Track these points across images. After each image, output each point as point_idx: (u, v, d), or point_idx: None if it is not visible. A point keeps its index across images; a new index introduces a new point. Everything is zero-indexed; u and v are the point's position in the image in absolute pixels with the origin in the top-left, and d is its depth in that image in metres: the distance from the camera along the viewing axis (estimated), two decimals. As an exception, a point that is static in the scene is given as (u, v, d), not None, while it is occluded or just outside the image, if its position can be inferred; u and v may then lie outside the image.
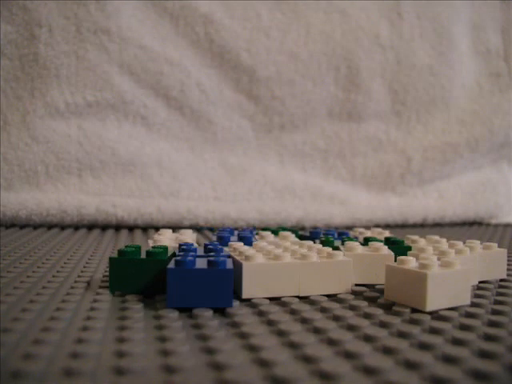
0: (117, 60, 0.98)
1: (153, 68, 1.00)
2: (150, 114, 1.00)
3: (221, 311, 0.35)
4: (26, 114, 0.93)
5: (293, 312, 0.35)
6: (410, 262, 0.37)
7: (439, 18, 1.18)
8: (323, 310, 0.36)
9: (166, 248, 0.41)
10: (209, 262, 0.36)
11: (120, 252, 0.39)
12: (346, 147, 1.12)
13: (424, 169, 1.14)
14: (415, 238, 0.52)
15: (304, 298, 0.39)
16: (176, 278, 0.35)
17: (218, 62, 1.05)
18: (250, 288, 0.38)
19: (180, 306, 0.35)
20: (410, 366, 0.25)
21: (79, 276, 0.45)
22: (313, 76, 1.10)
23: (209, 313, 0.34)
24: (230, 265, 0.37)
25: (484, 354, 0.27)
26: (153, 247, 0.41)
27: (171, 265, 0.36)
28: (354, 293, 0.41)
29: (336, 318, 0.33)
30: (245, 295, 0.38)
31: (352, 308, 0.36)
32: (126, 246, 0.40)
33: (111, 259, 0.39)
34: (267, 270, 0.38)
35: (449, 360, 0.26)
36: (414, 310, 0.35)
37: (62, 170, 0.94)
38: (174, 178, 0.99)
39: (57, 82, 0.95)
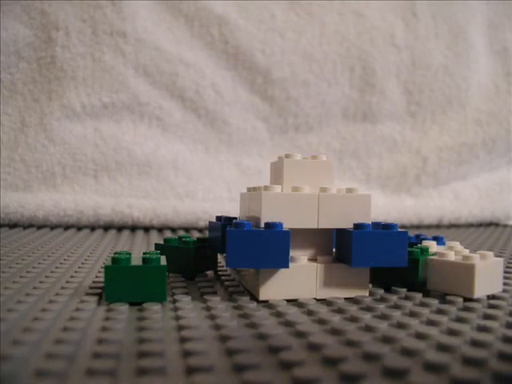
0: (132, 62, 0.99)
1: (168, 69, 1.01)
2: (165, 115, 1.01)
3: (240, 311, 0.35)
4: (43, 116, 0.94)
5: (310, 313, 0.35)
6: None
7: (455, 18, 1.17)
8: (340, 311, 0.36)
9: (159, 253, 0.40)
10: (266, 225, 0.37)
11: (114, 260, 0.37)
12: (361, 148, 1.12)
13: (439, 169, 1.14)
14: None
15: (321, 300, 0.39)
16: (235, 240, 0.36)
17: (233, 63, 1.05)
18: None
19: (238, 266, 0.37)
20: (430, 367, 0.25)
21: (97, 276, 0.46)
22: (327, 77, 1.10)
23: (227, 313, 0.34)
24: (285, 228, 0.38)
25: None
26: (145, 253, 0.39)
27: (230, 228, 0.37)
28: (370, 294, 0.41)
29: (354, 320, 0.33)
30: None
31: (369, 309, 0.36)
32: (116, 253, 0.39)
33: (107, 267, 0.37)
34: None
35: (471, 362, 0.26)
36: (432, 311, 0.35)
37: (79, 171, 0.95)
38: (190, 179, 0.99)
39: (73, 84, 0.96)
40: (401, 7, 1.15)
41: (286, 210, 0.38)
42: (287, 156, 0.42)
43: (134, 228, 0.91)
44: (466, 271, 0.39)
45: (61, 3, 0.95)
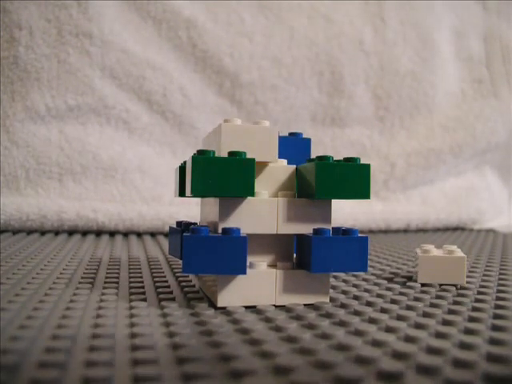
0: (99, 64, 0.97)
1: (135, 72, 0.99)
2: (132, 118, 1.00)
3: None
4: (5, 118, 0.92)
5: (267, 320, 0.34)
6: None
7: (422, 25, 1.19)
8: (298, 318, 0.35)
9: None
10: (223, 230, 0.36)
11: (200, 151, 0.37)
12: (329, 152, 1.12)
13: (407, 174, 1.14)
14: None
15: (281, 306, 0.39)
16: (191, 245, 0.35)
17: (201, 67, 1.04)
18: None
19: (194, 272, 0.36)
20: (385, 376, 0.25)
21: (54, 282, 0.45)
22: (296, 81, 1.10)
23: (183, 320, 0.33)
24: (243, 233, 0.37)
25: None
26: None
27: (187, 233, 0.37)
28: (331, 300, 0.40)
29: (311, 327, 0.33)
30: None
31: (328, 316, 0.36)
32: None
33: (195, 158, 0.36)
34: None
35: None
36: (392, 317, 0.35)
37: (43, 175, 0.93)
38: (156, 183, 0.98)
39: (37, 85, 0.94)
40: (369, 13, 1.16)
41: (245, 216, 0.38)
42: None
43: (98, 233, 0.90)
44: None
45: (24, 2, 0.93)
